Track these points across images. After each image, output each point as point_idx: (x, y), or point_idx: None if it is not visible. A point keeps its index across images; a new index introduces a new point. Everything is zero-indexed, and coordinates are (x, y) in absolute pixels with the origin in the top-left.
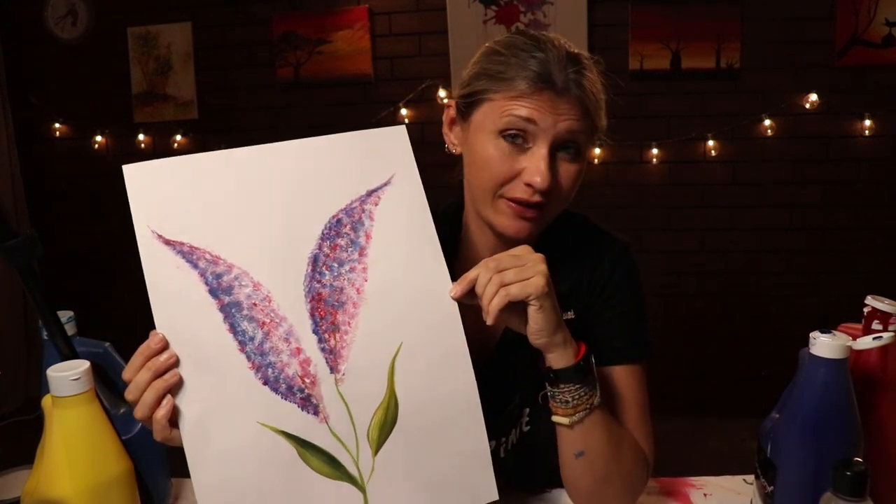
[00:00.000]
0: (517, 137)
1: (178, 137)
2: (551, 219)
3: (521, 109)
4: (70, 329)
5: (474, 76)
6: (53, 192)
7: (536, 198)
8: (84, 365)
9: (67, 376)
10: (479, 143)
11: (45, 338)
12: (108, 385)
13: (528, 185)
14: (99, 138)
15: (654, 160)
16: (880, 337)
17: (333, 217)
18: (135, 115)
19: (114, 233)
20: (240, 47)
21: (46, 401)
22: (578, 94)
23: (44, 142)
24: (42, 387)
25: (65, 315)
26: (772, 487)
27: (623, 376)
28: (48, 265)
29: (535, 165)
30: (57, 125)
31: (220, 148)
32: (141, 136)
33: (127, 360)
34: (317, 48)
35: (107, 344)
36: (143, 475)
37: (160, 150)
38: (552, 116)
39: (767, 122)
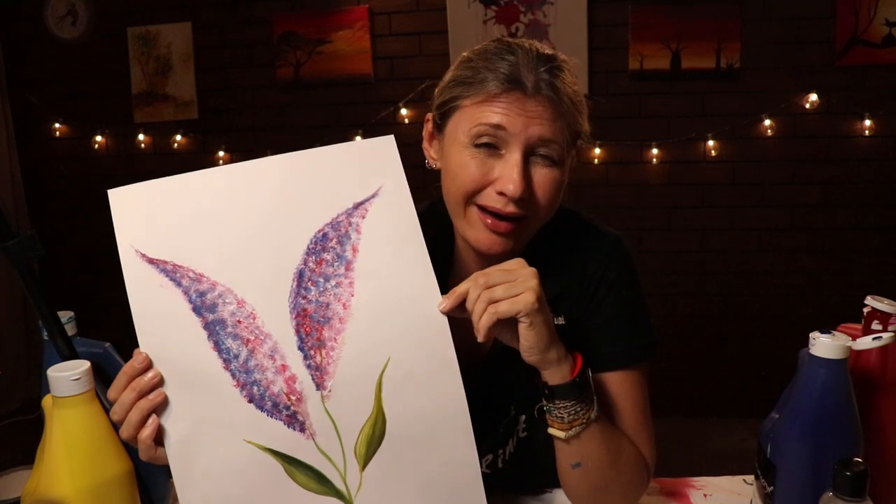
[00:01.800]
0: (490, 146)
1: (178, 137)
2: (531, 233)
3: (492, 116)
4: (70, 329)
5: (447, 84)
6: (53, 192)
7: (511, 208)
8: (84, 365)
9: (67, 376)
10: (453, 154)
11: (45, 338)
12: (108, 385)
13: (501, 193)
14: (99, 138)
15: (654, 160)
16: (880, 337)
17: (319, 231)
18: (135, 115)
19: (114, 233)
20: (240, 47)
21: (47, 401)
22: (550, 95)
23: (44, 142)
24: (42, 387)
25: (65, 315)
26: (772, 487)
27: (621, 381)
28: (48, 265)
29: (507, 173)
30: (57, 125)
31: (219, 148)
32: (141, 136)
33: (127, 360)
34: (317, 48)
35: (107, 344)
36: (143, 475)
37: (160, 150)
38: (523, 120)
39: (767, 122)
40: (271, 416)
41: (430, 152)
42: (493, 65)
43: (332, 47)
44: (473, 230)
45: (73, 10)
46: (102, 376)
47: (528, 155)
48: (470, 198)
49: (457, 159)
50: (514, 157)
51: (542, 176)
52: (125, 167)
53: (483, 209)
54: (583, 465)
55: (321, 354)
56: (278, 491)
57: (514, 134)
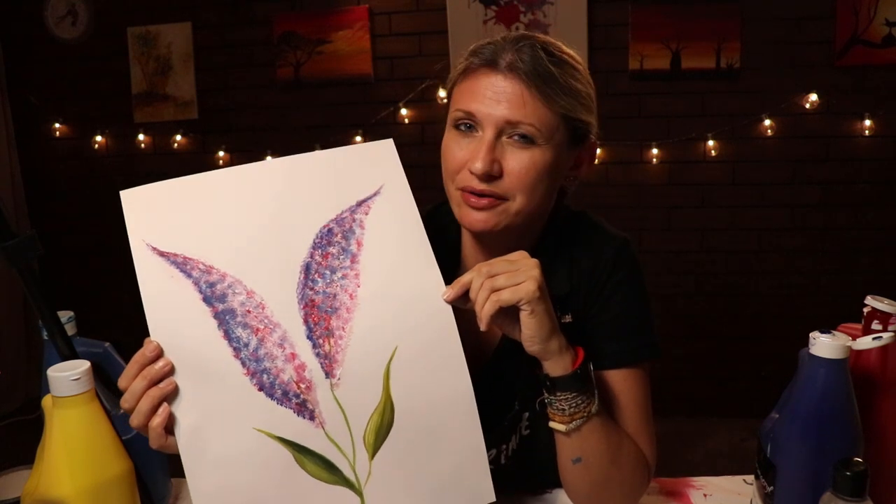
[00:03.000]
0: (470, 128)
1: (178, 137)
2: (522, 214)
3: (469, 103)
4: (70, 329)
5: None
6: (53, 192)
7: (482, 185)
8: (84, 365)
9: (67, 376)
10: (444, 138)
11: (45, 338)
12: (108, 385)
13: (471, 172)
14: (99, 138)
15: (654, 160)
16: (880, 337)
17: (324, 227)
18: (135, 115)
19: (114, 233)
20: (240, 47)
21: (46, 401)
22: (524, 72)
23: (44, 142)
24: (42, 387)
25: (65, 315)
26: (772, 487)
27: (624, 380)
28: (48, 265)
29: (476, 151)
30: (57, 125)
31: (219, 148)
32: (141, 136)
33: (127, 360)
34: (317, 48)
35: (107, 344)
36: (143, 475)
37: (160, 150)
38: (493, 102)
39: (767, 122)
40: (281, 405)
41: None
42: (481, 49)
43: (332, 47)
44: (458, 209)
45: (73, 10)
46: (102, 376)
47: (501, 134)
48: (452, 180)
49: (444, 142)
50: (484, 137)
51: (515, 156)
52: (125, 167)
53: (462, 189)
54: (583, 461)
55: (330, 343)
56: (288, 479)
57: (484, 117)
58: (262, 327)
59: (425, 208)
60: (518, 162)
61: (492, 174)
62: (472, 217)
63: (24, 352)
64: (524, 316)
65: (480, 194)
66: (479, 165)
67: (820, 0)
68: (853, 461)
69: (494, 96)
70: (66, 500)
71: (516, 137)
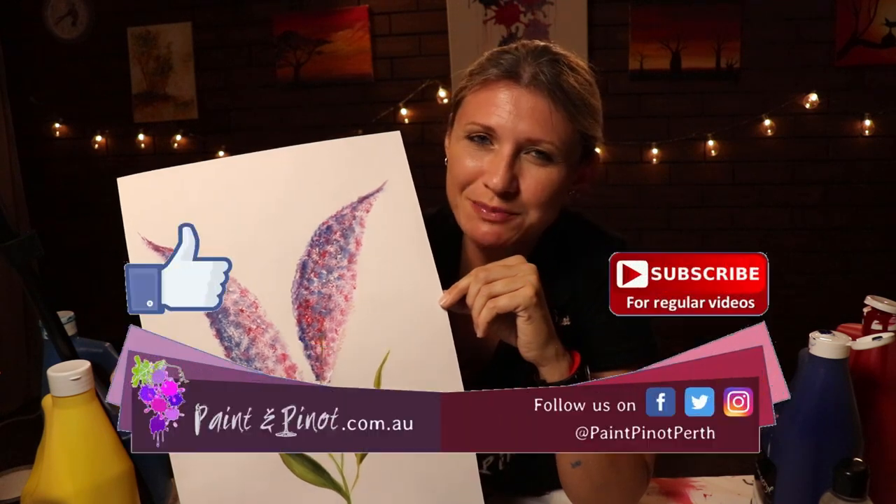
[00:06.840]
0: (484, 139)
1: (178, 137)
2: (533, 228)
3: (488, 117)
4: (70, 329)
5: (459, 79)
6: (53, 192)
7: (495, 202)
8: (84, 365)
9: (67, 376)
10: (452, 146)
11: (45, 338)
12: (108, 385)
13: (486, 186)
14: (99, 138)
15: (654, 160)
16: (880, 337)
17: (323, 224)
18: (135, 115)
19: (114, 233)
20: (240, 47)
21: (46, 401)
22: (545, 86)
23: (44, 142)
24: (42, 387)
25: (65, 315)
26: (772, 487)
27: None
28: (48, 265)
29: (493, 166)
30: (57, 125)
31: (219, 148)
32: (141, 136)
33: None
34: (317, 48)
35: (107, 344)
36: (143, 475)
37: (160, 150)
38: (514, 117)
39: (767, 122)
40: None
41: (449, 150)
42: (499, 58)
43: (332, 47)
44: (468, 221)
45: (73, 10)
46: (102, 376)
47: (520, 150)
48: (462, 189)
49: (454, 152)
50: (502, 151)
51: (533, 174)
52: (125, 167)
53: (473, 201)
54: (582, 464)
55: (322, 345)
56: (276, 481)
57: (505, 132)
58: (255, 327)
59: (428, 212)
60: (535, 179)
61: (509, 192)
62: (483, 230)
63: (24, 352)
64: (521, 322)
65: (497, 210)
66: (497, 182)
67: (820, 0)
68: (853, 461)
69: (516, 111)
70: (66, 500)
71: (535, 154)
